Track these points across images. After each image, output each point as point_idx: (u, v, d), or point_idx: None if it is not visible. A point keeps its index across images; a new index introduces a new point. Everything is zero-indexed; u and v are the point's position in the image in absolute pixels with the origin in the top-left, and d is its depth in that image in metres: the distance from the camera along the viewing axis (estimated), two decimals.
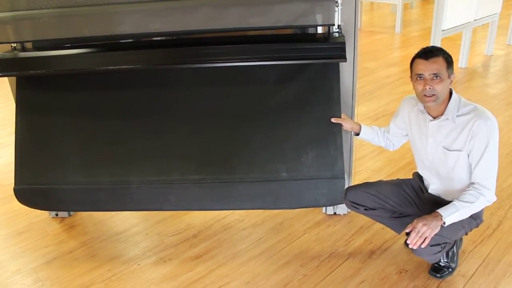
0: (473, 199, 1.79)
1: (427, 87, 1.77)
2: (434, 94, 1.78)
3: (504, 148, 3.23)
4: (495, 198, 1.83)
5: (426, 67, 1.77)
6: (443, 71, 1.77)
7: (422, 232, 1.73)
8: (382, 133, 2.18)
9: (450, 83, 1.81)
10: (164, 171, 2.13)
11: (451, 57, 1.81)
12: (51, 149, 2.19)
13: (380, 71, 5.26)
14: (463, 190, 1.89)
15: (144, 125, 2.17)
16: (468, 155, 1.85)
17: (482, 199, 1.80)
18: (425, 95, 1.79)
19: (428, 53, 1.78)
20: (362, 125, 2.14)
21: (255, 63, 2.02)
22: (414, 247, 1.75)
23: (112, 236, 2.52)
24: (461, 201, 1.80)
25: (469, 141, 1.81)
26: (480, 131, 1.78)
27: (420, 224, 1.74)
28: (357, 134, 2.16)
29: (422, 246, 1.74)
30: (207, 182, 2.10)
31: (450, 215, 1.76)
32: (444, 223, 1.76)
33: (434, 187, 2.05)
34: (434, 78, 1.77)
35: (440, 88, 1.77)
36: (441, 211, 1.78)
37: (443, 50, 1.81)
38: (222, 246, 2.39)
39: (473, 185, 1.83)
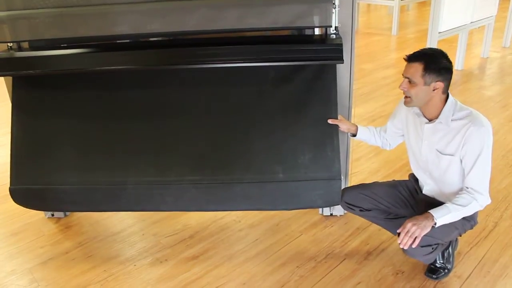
0: (466, 202, 1.80)
1: (400, 87, 1.84)
2: (408, 96, 1.83)
3: (500, 150, 3.25)
4: (488, 201, 1.84)
5: (405, 69, 1.82)
6: (417, 77, 1.77)
7: (412, 232, 1.74)
8: (378, 133, 2.19)
9: (434, 90, 1.78)
10: (161, 172, 2.12)
11: (439, 64, 1.76)
12: (47, 149, 2.18)
13: (377, 72, 5.28)
14: (456, 193, 1.91)
15: (141, 126, 2.16)
16: (461, 161, 1.85)
17: (475, 203, 1.81)
18: (404, 94, 1.85)
19: (411, 56, 1.81)
20: (358, 126, 2.14)
21: (253, 64, 2.02)
22: (405, 247, 1.77)
23: (108, 237, 2.51)
24: (453, 203, 1.81)
25: (461, 147, 1.82)
26: (473, 138, 1.78)
27: (409, 224, 1.75)
28: (354, 135, 2.16)
29: (413, 246, 1.75)
30: (204, 183, 2.10)
31: (442, 216, 1.78)
32: (435, 223, 1.77)
33: (428, 188, 2.05)
34: (409, 81, 1.81)
35: (414, 93, 1.80)
36: (433, 211, 1.79)
37: (434, 55, 1.78)
38: (219, 247, 2.39)
39: (466, 189, 1.84)
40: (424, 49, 1.83)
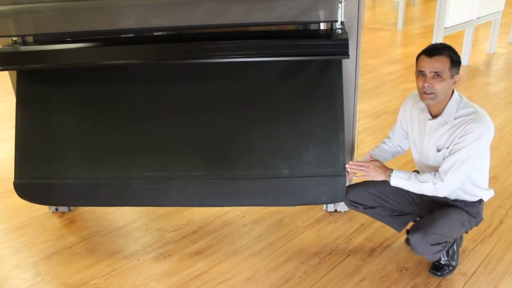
0: (425, 180, 1.86)
1: (426, 85, 1.77)
2: (432, 93, 1.77)
3: (506, 147, 3.22)
4: (445, 194, 1.86)
5: (428, 65, 1.76)
6: (445, 71, 1.74)
7: (363, 170, 1.93)
8: (387, 146, 2.18)
9: (454, 83, 1.79)
10: (165, 167, 2.12)
11: (458, 56, 1.78)
12: (51, 143, 2.18)
13: (382, 68, 5.25)
14: (462, 191, 1.91)
15: (145, 120, 2.16)
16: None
17: (431, 185, 1.85)
18: (424, 92, 1.79)
19: (433, 50, 1.76)
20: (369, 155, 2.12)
21: (258, 59, 2.01)
22: (348, 170, 1.97)
23: (112, 231, 2.51)
24: (416, 175, 1.89)
25: (458, 138, 1.80)
26: (469, 132, 1.76)
27: (369, 164, 1.93)
28: None
29: (350, 178, 1.96)
30: (208, 179, 2.10)
31: (399, 178, 1.90)
32: (388, 182, 1.90)
33: None
34: (435, 76, 1.75)
35: (440, 88, 1.76)
36: (395, 170, 1.92)
37: (450, 48, 1.78)
38: (223, 242, 2.39)
39: (437, 172, 1.86)
40: (439, 43, 1.81)
